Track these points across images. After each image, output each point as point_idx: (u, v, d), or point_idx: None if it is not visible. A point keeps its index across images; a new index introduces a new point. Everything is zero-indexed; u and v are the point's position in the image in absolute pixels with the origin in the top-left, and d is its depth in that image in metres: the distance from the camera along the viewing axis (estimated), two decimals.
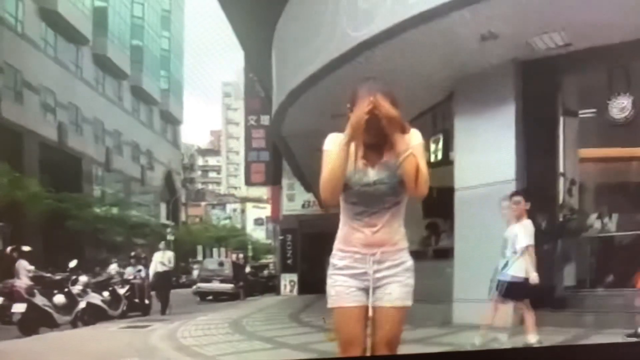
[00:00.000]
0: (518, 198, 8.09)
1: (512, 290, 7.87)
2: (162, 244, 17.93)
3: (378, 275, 3.40)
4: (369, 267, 3.39)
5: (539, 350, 6.91)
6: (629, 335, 8.12)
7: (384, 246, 3.38)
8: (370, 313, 3.42)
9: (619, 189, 11.50)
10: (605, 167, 11.97)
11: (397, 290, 3.41)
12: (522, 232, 7.82)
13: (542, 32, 9.45)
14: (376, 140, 3.36)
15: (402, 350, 3.57)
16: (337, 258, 3.46)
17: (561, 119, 10.85)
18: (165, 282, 16.79)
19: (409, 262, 3.46)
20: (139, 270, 16.32)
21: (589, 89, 11.03)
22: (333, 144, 3.36)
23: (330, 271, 3.49)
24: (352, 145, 3.35)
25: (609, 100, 10.27)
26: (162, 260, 16.77)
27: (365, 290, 3.42)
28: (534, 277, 7.69)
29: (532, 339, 7.69)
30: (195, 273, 25.91)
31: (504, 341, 8.03)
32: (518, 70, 10.41)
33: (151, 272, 16.66)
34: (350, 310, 3.42)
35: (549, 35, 9.48)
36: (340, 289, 3.43)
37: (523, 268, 7.76)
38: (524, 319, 7.96)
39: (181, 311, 16.07)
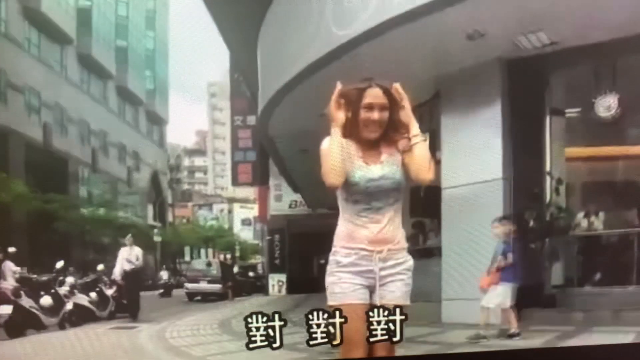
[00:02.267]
0: None
1: None
2: (127, 239, 15.84)
3: (383, 273, 3.42)
4: (374, 265, 3.41)
5: (539, 350, 6.94)
6: (471, 339, 8.60)
7: (390, 243, 3.41)
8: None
9: (606, 188, 11.54)
10: (592, 166, 12.00)
11: (400, 288, 3.46)
12: None
13: (528, 31, 9.48)
14: (377, 134, 3.42)
15: (396, 350, 3.57)
16: (341, 255, 3.46)
17: (548, 118, 10.88)
18: (134, 283, 15.43)
19: (410, 261, 3.51)
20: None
21: (575, 87, 11.06)
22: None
23: (332, 268, 3.49)
24: (352, 146, 3.42)
25: (595, 98, 10.30)
26: (128, 257, 15.24)
27: (369, 288, 3.44)
28: None
29: None
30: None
31: None
32: (504, 69, 10.44)
33: (117, 271, 15.29)
34: (354, 308, 3.43)
35: (535, 33, 9.51)
36: (346, 286, 3.44)
37: None
38: None
39: (169, 312, 16.02)
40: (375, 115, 3.42)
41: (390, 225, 3.44)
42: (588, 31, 9.23)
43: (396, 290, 3.47)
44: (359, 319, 3.44)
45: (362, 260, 3.43)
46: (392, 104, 3.45)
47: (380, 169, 3.42)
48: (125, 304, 15.64)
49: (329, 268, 3.53)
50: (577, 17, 8.88)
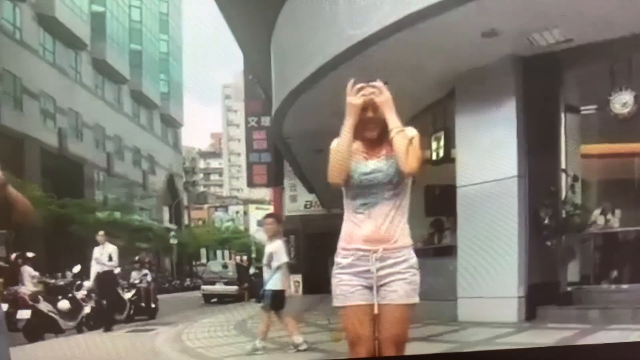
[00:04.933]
0: (269, 220, 9.29)
1: (274, 301, 8.85)
2: (100, 235, 13.47)
3: (381, 273, 3.42)
4: (371, 265, 3.41)
5: (542, 350, 6.90)
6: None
7: (386, 243, 3.41)
8: (375, 311, 3.43)
9: (622, 185, 11.48)
10: (608, 163, 11.94)
11: (402, 287, 3.43)
12: (278, 251, 8.79)
13: (543, 28, 9.42)
14: (376, 132, 3.45)
15: (408, 348, 3.56)
16: (341, 257, 3.50)
17: (563, 115, 10.82)
18: (108, 287, 13.67)
19: (413, 259, 3.47)
20: (145, 275, 16.21)
21: (590, 84, 10.99)
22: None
23: (334, 270, 3.52)
24: (359, 145, 3.49)
25: (611, 95, 10.23)
26: (99, 257, 13.27)
27: (370, 288, 3.44)
28: (289, 291, 9.06)
29: (298, 339, 8.74)
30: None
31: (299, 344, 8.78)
32: (519, 67, 10.38)
33: (92, 274, 13.48)
34: (356, 309, 3.44)
35: (550, 30, 9.45)
36: (346, 287, 3.46)
37: (280, 281, 8.82)
38: (287, 325, 8.94)
39: (185, 314, 16.06)
40: (369, 113, 3.47)
41: (387, 224, 3.44)
42: (603, 27, 9.17)
43: (398, 290, 3.45)
44: (361, 320, 3.45)
45: (359, 260, 3.45)
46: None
47: (376, 163, 3.46)
48: (144, 307, 15.70)
49: (333, 270, 3.56)
50: (592, 14, 8.83)
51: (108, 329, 12.99)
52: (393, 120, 3.44)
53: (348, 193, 3.49)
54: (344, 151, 3.44)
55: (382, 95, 3.46)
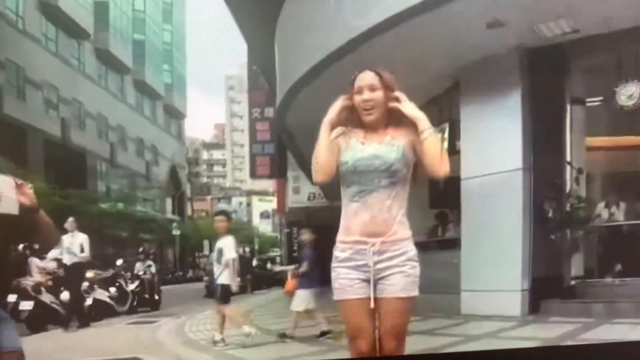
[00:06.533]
0: (219, 217, 9.77)
1: (222, 295, 9.26)
2: (69, 223, 12.10)
3: (379, 266, 3.38)
4: (369, 259, 3.37)
5: (544, 349, 6.86)
6: (278, 337, 9.45)
7: (383, 236, 3.36)
8: (372, 305, 3.38)
9: (627, 178, 11.40)
10: (613, 156, 11.88)
11: (400, 280, 3.38)
12: (226, 248, 9.17)
13: (548, 19, 9.35)
14: (374, 117, 3.43)
15: (411, 341, 3.53)
16: (339, 250, 3.46)
17: (568, 107, 10.75)
18: (75, 280, 12.50)
19: (412, 251, 3.42)
20: (149, 266, 16.20)
21: (596, 76, 10.92)
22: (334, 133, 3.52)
23: (333, 264, 3.48)
24: (358, 132, 3.47)
25: (617, 87, 10.16)
26: (69, 246, 11.98)
27: (369, 281, 3.40)
28: (234, 286, 9.22)
29: (245, 329, 9.19)
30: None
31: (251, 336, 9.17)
32: (524, 58, 10.31)
33: (50, 265, 12.80)
34: (355, 302, 3.40)
35: (556, 21, 9.38)
36: (344, 281, 3.42)
37: (228, 277, 9.17)
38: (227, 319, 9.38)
39: (188, 306, 16.04)
40: (365, 95, 3.42)
41: (384, 214, 3.38)
42: (610, 19, 9.10)
43: (396, 283, 3.40)
44: (359, 314, 3.42)
45: (357, 254, 3.40)
46: (385, 86, 3.44)
47: (375, 148, 3.41)
48: (147, 299, 15.69)
49: (332, 263, 3.52)
50: (598, 4, 8.76)
51: (65, 327, 12.04)
52: (425, 121, 3.39)
53: (344, 181, 3.45)
54: (320, 150, 3.43)
55: (403, 101, 3.43)
